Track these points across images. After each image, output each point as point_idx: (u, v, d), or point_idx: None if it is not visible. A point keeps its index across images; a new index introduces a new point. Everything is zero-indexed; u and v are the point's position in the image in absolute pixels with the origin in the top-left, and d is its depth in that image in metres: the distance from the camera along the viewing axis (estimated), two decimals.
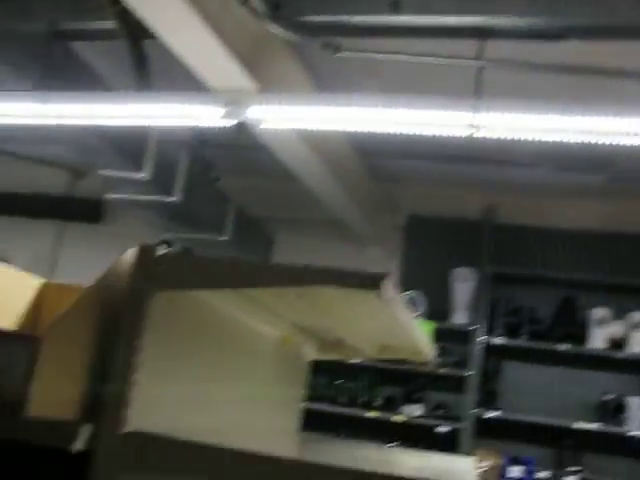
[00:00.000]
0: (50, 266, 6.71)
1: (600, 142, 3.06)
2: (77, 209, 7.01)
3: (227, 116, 3.17)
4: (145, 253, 1.51)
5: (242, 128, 3.50)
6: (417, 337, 2.33)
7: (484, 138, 3.21)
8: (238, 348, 2.08)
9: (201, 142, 5.14)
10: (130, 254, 1.55)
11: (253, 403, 2.26)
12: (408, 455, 2.46)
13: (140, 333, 1.47)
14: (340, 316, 1.86)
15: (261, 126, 3.46)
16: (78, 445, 1.46)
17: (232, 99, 3.08)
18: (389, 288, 1.43)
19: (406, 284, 5.74)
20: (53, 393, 1.45)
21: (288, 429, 2.75)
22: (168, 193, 4.83)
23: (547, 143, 3.24)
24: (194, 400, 1.75)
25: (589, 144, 4.13)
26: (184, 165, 4.95)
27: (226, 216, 5.59)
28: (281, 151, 4.47)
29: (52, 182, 7.08)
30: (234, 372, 2.04)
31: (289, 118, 3.30)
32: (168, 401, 1.63)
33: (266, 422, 2.41)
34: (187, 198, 4.96)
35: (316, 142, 4.35)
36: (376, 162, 5.72)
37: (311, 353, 3.03)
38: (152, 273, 1.48)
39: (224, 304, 1.79)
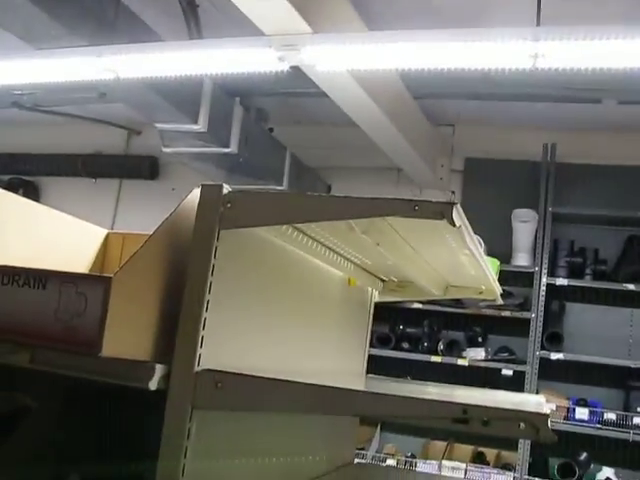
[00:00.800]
0: (111, 224, 6.84)
1: None
2: (134, 166, 7.09)
3: (281, 60, 3.13)
4: (210, 192, 1.51)
5: (296, 73, 3.46)
6: (485, 273, 2.30)
7: (543, 71, 3.11)
8: (306, 288, 2.08)
9: (255, 91, 5.12)
10: (195, 195, 1.55)
11: (321, 343, 2.27)
12: (476, 391, 2.44)
13: (209, 272, 1.48)
14: (405, 253, 1.84)
15: (315, 68, 3.41)
16: (153, 384, 1.48)
17: (285, 42, 3.04)
18: (457, 216, 1.40)
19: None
20: (127, 334, 1.47)
21: (354, 370, 2.77)
22: (224, 145, 4.83)
23: (608, 73, 3.13)
24: (264, 338, 1.76)
25: None
26: (239, 115, 4.93)
27: (283, 165, 5.59)
28: (336, 95, 4.40)
29: (111, 141, 7.21)
30: (302, 312, 2.05)
31: (342, 58, 3.23)
32: (239, 339, 1.64)
33: (333, 362, 2.43)
34: (243, 149, 4.97)
35: (371, 85, 4.28)
36: (432, 104, 5.63)
37: (376, 295, 3.04)
38: (218, 211, 1.48)
39: (290, 244, 1.78)
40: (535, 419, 1.34)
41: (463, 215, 1.45)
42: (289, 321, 1.93)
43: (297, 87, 4.78)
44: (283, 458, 2.02)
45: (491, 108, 5.60)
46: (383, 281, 2.86)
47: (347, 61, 3.32)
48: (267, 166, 5.48)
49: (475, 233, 5.09)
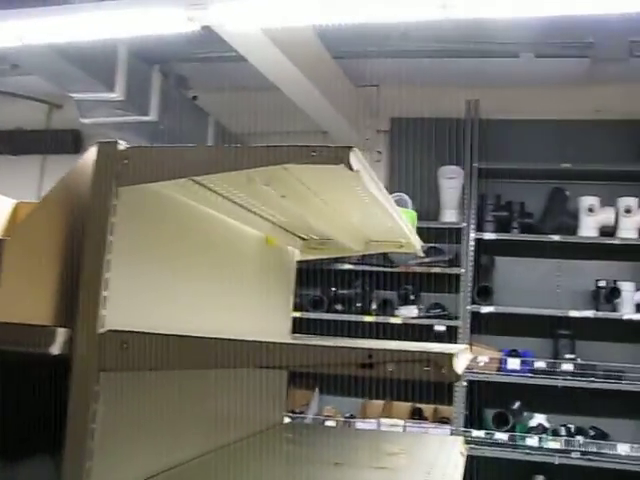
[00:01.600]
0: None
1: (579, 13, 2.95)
2: (57, 141, 6.91)
3: (191, 20, 3.06)
4: (106, 149, 1.46)
5: (213, 36, 3.39)
6: (400, 225, 2.30)
7: (461, 26, 3.12)
8: (218, 247, 2.05)
9: (173, 56, 5.02)
10: (91, 153, 1.50)
11: (239, 303, 2.25)
12: (405, 343, 2.46)
13: (108, 231, 1.44)
14: (313, 205, 1.82)
15: (227, 28, 3.34)
16: (55, 349, 1.44)
17: (193, 1, 2.96)
18: (356, 160, 1.39)
19: (394, 187, 5.71)
20: (24, 298, 1.42)
21: (278, 331, 2.75)
22: (144, 113, 4.73)
23: (525, 26, 3.14)
24: (172, 298, 1.72)
25: (568, 27, 4.05)
26: (157, 82, 4.83)
27: (206, 132, 5.51)
28: (252, 57, 4.33)
29: (31, 116, 7.01)
30: (215, 271, 2.02)
31: (252, 15, 3.15)
32: (146, 299, 1.61)
33: (253, 323, 2.41)
34: (163, 116, 4.87)
35: (288, 45, 4.22)
36: (354, 65, 5.60)
37: (297, 254, 3.02)
38: (114, 168, 1.44)
39: (196, 200, 1.74)
40: (439, 359, 1.34)
41: (363, 160, 1.44)
42: (200, 280, 1.90)
43: (215, 51, 4.69)
44: (203, 420, 2.01)
45: (414, 67, 5.59)
46: (304, 240, 2.85)
47: (258, 18, 3.25)
48: (190, 133, 5.39)
49: (402, 191, 5.15)
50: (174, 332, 1.41)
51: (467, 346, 2.93)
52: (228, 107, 6.12)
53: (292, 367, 1.37)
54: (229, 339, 1.37)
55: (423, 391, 5.55)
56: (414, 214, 2.68)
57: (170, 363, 1.42)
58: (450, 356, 1.36)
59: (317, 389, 5.85)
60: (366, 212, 1.97)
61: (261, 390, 2.49)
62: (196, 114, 5.53)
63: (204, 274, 1.93)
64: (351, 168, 1.34)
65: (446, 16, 2.69)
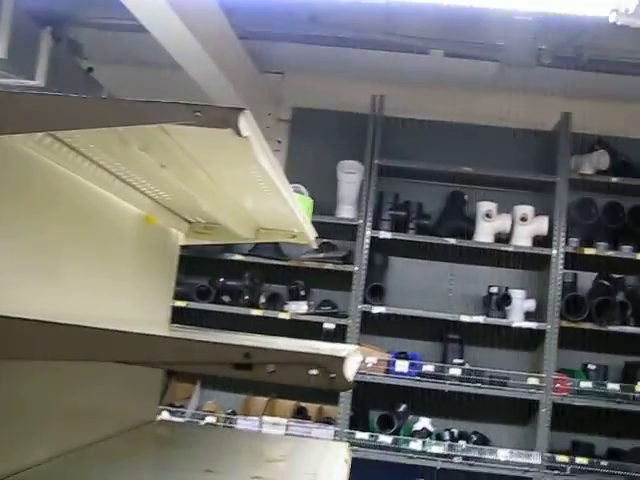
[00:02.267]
0: None
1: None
2: None
3: None
4: None
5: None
6: (294, 212, 2.13)
7: (372, 14, 2.96)
8: (91, 222, 1.80)
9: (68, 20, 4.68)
10: None
11: (114, 287, 2.02)
12: (291, 340, 2.27)
13: None
14: (197, 179, 1.61)
15: None
16: None
17: None
18: (246, 125, 1.19)
19: (292, 178, 5.53)
20: None
21: (154, 319, 2.53)
22: (29, 76, 4.37)
23: (438, 21, 3.03)
24: (35, 276, 1.48)
25: (480, 28, 3.98)
26: (47, 45, 4.48)
27: None
28: (154, 28, 4.07)
29: None
30: (88, 249, 1.78)
31: None
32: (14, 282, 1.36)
33: (130, 309, 2.19)
34: (52, 83, 4.52)
35: (193, 20, 3.99)
36: (260, 50, 5.40)
37: (181, 238, 2.81)
38: None
39: (67, 167, 1.51)
40: (329, 363, 1.16)
41: (255, 126, 1.24)
42: (70, 258, 1.66)
43: (114, 17, 4.39)
44: (60, 416, 1.77)
45: (321, 55, 5.44)
46: (189, 222, 2.65)
47: None
48: None
49: (299, 183, 4.92)
50: (29, 315, 1.18)
51: (357, 347, 2.78)
52: (127, 82, 5.80)
53: (155, 364, 1.16)
54: (83, 326, 1.14)
55: (308, 390, 5.40)
56: (310, 201, 2.51)
57: (48, 351, 1.18)
58: (341, 360, 1.19)
59: (199, 383, 5.61)
60: (257, 192, 1.78)
61: (131, 383, 2.26)
62: (89, 85, 5.18)
63: (74, 251, 1.69)
64: (239, 133, 1.14)
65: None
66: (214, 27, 4.50)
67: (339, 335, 5.19)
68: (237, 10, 4.41)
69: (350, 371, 1.26)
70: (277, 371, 1.19)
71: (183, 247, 5.41)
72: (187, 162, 1.43)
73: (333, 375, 1.14)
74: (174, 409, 5.29)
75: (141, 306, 2.35)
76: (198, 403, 5.59)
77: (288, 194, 1.76)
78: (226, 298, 5.41)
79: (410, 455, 5.03)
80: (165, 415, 5.23)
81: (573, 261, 5.27)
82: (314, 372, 1.19)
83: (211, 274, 5.46)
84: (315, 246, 2.83)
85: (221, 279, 5.36)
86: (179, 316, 5.29)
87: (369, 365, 5.14)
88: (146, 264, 2.35)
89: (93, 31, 4.98)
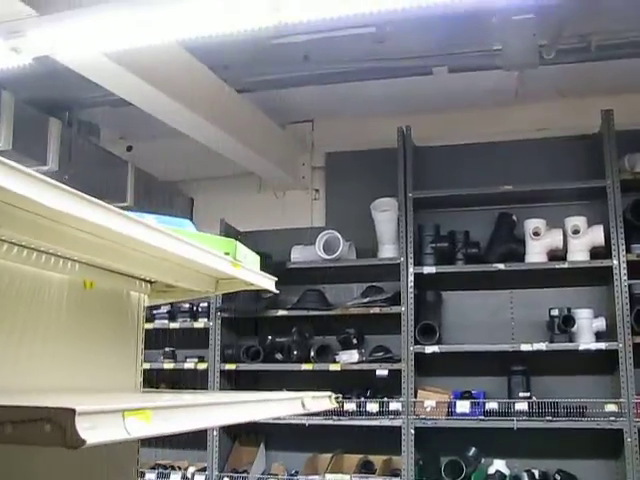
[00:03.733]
0: None
1: None
2: None
3: (15, 50, 2.77)
4: None
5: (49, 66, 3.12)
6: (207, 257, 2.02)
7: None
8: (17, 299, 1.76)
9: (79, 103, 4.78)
10: None
11: (47, 358, 1.95)
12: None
13: None
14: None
15: (59, 57, 3.06)
16: None
17: (10, 28, 2.68)
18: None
19: (332, 225, 5.39)
20: None
21: (120, 385, 2.45)
22: (42, 162, 4.46)
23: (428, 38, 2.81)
24: None
25: (472, 35, 3.76)
26: (57, 130, 4.55)
27: (125, 181, 5.22)
28: (143, 104, 4.10)
29: None
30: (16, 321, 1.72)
31: (91, 38, 2.83)
32: None
33: (81, 376, 2.12)
34: (67, 165, 4.59)
35: (185, 95, 4.01)
36: (285, 101, 5.35)
37: (144, 299, 2.75)
38: None
39: None
40: (59, 416, 1.01)
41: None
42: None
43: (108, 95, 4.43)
44: None
45: (344, 96, 5.32)
46: (151, 283, 2.58)
47: (100, 40, 2.92)
48: (104, 183, 5.09)
49: (340, 229, 4.80)
50: None
51: (327, 394, 2.56)
52: (161, 155, 5.91)
53: None
54: None
55: (374, 441, 5.15)
56: (233, 242, 2.33)
57: None
58: (72, 413, 1.03)
59: (262, 445, 5.45)
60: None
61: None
62: (110, 163, 5.23)
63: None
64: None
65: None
66: (209, 90, 4.49)
67: (394, 381, 4.92)
68: (233, 66, 4.37)
69: (90, 425, 1.09)
70: (14, 431, 1.04)
71: (222, 310, 5.29)
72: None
73: (66, 431, 1.00)
74: (237, 475, 5.14)
75: (94, 372, 2.28)
76: (264, 466, 5.42)
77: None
78: (278, 356, 5.26)
79: None
80: None
81: (638, 269, 4.80)
82: (48, 428, 1.04)
83: (260, 334, 5.34)
84: (274, 290, 2.70)
85: (269, 337, 5.22)
86: (229, 379, 5.22)
87: (428, 409, 4.83)
88: (93, 330, 2.28)
89: (107, 109, 5.06)
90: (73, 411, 1.03)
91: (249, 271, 2.44)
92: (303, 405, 2.30)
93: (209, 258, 2.10)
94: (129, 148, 6.13)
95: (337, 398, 4.91)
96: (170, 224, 2.14)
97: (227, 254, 2.29)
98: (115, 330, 2.49)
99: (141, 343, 2.72)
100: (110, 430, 1.15)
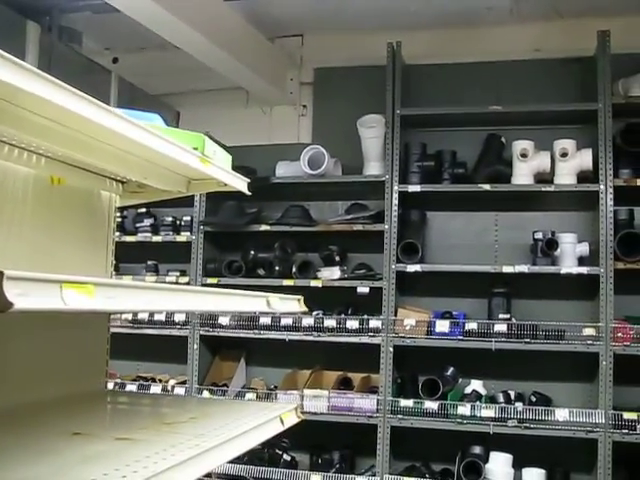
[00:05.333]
0: None
1: None
2: None
3: None
4: None
5: None
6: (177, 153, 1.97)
7: None
8: None
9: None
10: None
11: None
12: None
13: None
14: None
15: None
16: None
17: None
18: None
19: (319, 142, 5.30)
20: None
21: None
22: None
23: None
24: None
25: None
26: (34, 35, 4.41)
27: (109, 90, 5.11)
28: (131, 12, 3.98)
29: None
30: None
31: None
32: None
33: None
34: (46, 70, 4.46)
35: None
36: (273, 16, 5.21)
37: (116, 200, 2.73)
38: None
39: None
40: None
41: None
42: None
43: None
44: None
45: (335, 10, 5.17)
46: (123, 183, 2.55)
47: None
48: (85, 93, 4.95)
49: (327, 146, 4.73)
50: None
51: (296, 297, 2.54)
52: (148, 67, 5.78)
53: None
54: None
55: (353, 359, 5.17)
56: (202, 137, 2.26)
57: None
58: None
59: (243, 360, 5.48)
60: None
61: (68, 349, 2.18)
62: (92, 71, 5.10)
63: None
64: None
65: None
66: (206, 7, 4.38)
67: (375, 299, 4.92)
68: None
69: (18, 290, 1.06)
70: None
71: (206, 223, 5.21)
72: None
73: None
74: (216, 388, 5.18)
75: (61, 270, 2.26)
76: (244, 381, 5.46)
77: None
78: (260, 271, 5.24)
79: (459, 421, 4.69)
80: (205, 395, 5.13)
81: (625, 195, 4.73)
82: None
83: (243, 249, 5.30)
84: (246, 191, 2.65)
85: (252, 252, 5.19)
86: None
87: (407, 328, 4.83)
88: (61, 227, 2.25)
89: (90, 16, 4.91)
90: (1, 273, 1.01)
91: (219, 169, 2.38)
92: (268, 304, 2.29)
93: (177, 152, 2.04)
94: (115, 60, 5.97)
95: (317, 313, 4.91)
96: (139, 118, 2.06)
97: (195, 149, 2.24)
98: (85, 229, 2.47)
99: (112, 245, 2.70)
100: (44, 299, 1.13)
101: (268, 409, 2.43)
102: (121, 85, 5.28)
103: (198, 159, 2.21)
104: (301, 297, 2.56)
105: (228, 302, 2.07)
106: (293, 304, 2.53)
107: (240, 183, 2.60)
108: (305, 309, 2.58)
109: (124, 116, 1.69)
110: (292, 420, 2.44)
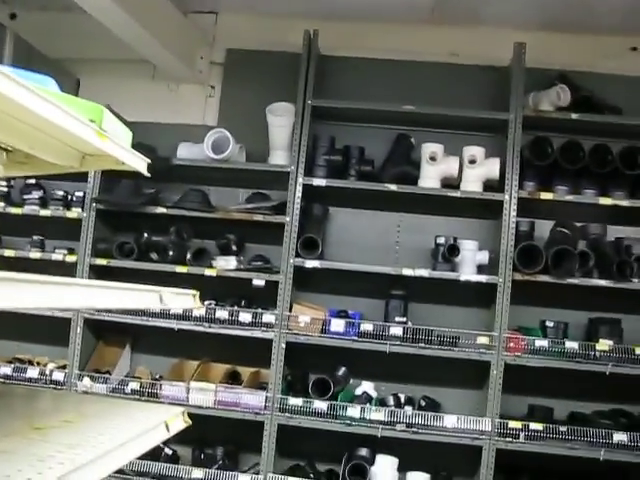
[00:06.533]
0: None
1: None
2: None
3: None
4: None
5: None
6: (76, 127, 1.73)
7: None
8: None
9: None
10: None
11: None
12: None
13: None
14: None
15: None
16: None
17: None
18: None
19: (225, 125, 5.09)
20: None
21: None
22: None
23: None
24: None
25: None
26: None
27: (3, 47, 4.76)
28: None
29: None
30: None
31: None
32: None
33: None
34: None
35: None
36: None
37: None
38: None
39: None
40: None
41: None
42: None
43: None
44: None
45: None
46: (8, 152, 2.29)
47: None
48: None
49: (233, 130, 4.49)
50: None
51: (192, 292, 2.36)
52: (50, 29, 5.40)
53: None
54: None
55: (244, 352, 5.01)
56: (100, 109, 2.05)
57: None
58: None
59: (128, 347, 5.23)
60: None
61: None
62: None
63: None
64: None
65: None
66: None
67: (271, 292, 4.77)
68: None
69: None
70: None
71: (98, 201, 4.87)
72: None
73: None
74: (98, 375, 4.91)
75: None
76: (128, 368, 5.22)
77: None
78: (154, 255, 5.00)
79: (348, 422, 4.61)
80: (86, 382, 4.86)
81: (528, 207, 4.76)
82: None
83: (137, 231, 5.04)
84: (146, 173, 2.45)
85: (145, 235, 4.94)
86: (99, 275, 4.93)
87: (302, 324, 4.71)
88: None
89: None
90: None
91: (117, 146, 2.18)
92: (161, 299, 2.10)
93: (70, 122, 1.81)
94: (12, 16, 5.56)
95: (210, 304, 4.71)
96: (29, 79, 1.81)
97: (92, 121, 2.03)
98: None
99: None
100: None
101: (153, 412, 2.25)
102: (18, 43, 4.92)
103: (94, 132, 2.00)
104: (197, 292, 2.39)
105: (115, 297, 1.88)
106: (188, 300, 2.35)
107: (140, 163, 2.41)
108: (200, 305, 2.41)
109: (10, 74, 1.45)
110: (178, 426, 2.27)
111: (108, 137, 2.07)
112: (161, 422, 2.13)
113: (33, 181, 5.19)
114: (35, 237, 5.19)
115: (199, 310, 4.77)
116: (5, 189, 5.18)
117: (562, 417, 4.84)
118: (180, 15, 5.21)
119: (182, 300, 2.31)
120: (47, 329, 5.14)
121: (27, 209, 5.11)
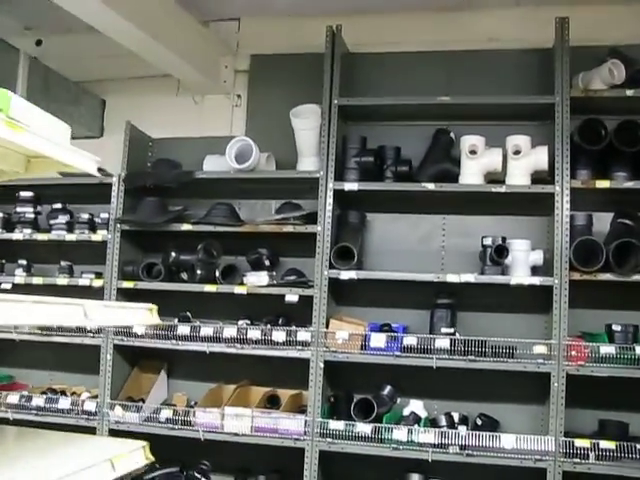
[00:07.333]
0: None
1: None
2: None
3: None
4: None
5: None
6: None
7: None
8: None
9: None
10: None
11: None
12: None
13: None
14: None
15: None
16: None
17: None
18: None
19: (253, 135, 4.81)
20: None
21: None
22: None
23: None
24: None
25: None
26: None
27: (16, 71, 4.62)
28: None
29: None
30: None
31: None
32: None
33: None
34: None
35: None
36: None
37: None
38: None
39: None
40: None
41: None
42: None
43: None
44: None
45: None
46: None
47: None
48: None
49: (262, 139, 4.19)
50: None
51: (147, 306, 2.05)
52: (74, 52, 5.30)
53: None
54: None
55: (283, 374, 4.69)
56: (7, 94, 1.79)
57: None
58: None
59: (163, 372, 4.97)
60: None
61: None
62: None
63: None
64: None
65: None
66: None
67: (306, 308, 4.43)
68: None
69: None
70: None
71: (123, 221, 4.57)
72: None
73: None
74: (130, 404, 4.66)
75: None
76: (166, 395, 4.95)
77: None
78: (183, 275, 4.74)
79: (395, 446, 4.20)
80: (118, 411, 4.62)
81: (583, 199, 4.27)
82: None
83: (164, 250, 4.79)
84: (96, 173, 2.17)
85: (172, 254, 4.68)
86: (127, 298, 4.68)
87: (339, 341, 4.34)
88: None
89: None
90: None
91: (43, 139, 1.91)
92: (85, 314, 1.79)
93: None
94: (38, 42, 5.48)
95: (242, 324, 4.38)
96: None
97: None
98: None
99: None
100: None
101: (99, 449, 1.94)
102: (33, 65, 4.78)
103: (4, 122, 1.74)
104: (154, 306, 2.08)
105: (27, 313, 1.58)
106: (142, 315, 2.04)
107: (87, 162, 2.13)
108: (158, 321, 2.09)
109: None
110: (130, 464, 1.94)
111: (23, 128, 1.80)
112: (105, 460, 1.82)
113: (59, 205, 5.03)
114: (63, 263, 5.00)
115: (230, 331, 4.48)
116: (32, 215, 5.04)
117: (638, 433, 4.29)
118: (200, 26, 5.01)
119: (133, 315, 2.00)
120: (80, 357, 4.96)
121: (54, 234, 4.95)
